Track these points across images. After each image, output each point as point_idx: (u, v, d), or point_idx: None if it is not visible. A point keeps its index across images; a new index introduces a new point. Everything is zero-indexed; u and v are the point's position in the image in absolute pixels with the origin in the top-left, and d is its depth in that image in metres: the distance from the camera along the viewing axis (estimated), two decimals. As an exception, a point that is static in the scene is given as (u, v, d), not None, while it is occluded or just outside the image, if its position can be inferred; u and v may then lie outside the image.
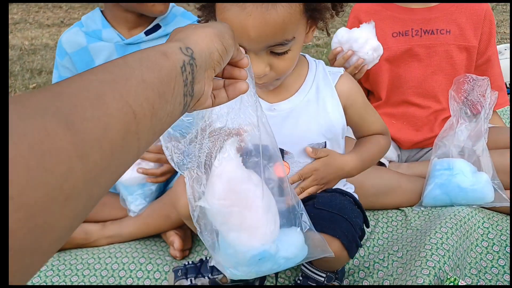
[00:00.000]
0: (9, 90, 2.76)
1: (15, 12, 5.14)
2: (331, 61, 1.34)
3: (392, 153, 1.59)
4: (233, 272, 0.81)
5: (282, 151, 1.00)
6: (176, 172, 1.26)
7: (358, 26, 1.41)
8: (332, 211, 0.94)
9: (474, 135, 1.39)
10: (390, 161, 1.58)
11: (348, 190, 1.10)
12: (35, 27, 4.65)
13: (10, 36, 4.20)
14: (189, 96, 0.50)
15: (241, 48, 0.63)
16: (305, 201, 1.01)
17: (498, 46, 2.27)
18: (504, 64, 1.97)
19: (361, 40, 1.28)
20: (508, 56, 2.16)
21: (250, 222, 0.76)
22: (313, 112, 1.00)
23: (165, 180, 1.33)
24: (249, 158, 0.75)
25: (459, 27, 1.52)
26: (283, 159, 1.00)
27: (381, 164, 1.53)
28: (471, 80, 1.45)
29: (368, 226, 1.07)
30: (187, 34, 0.53)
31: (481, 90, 1.43)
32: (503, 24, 3.99)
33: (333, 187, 1.07)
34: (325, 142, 1.02)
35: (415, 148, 1.62)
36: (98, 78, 0.39)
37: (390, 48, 1.52)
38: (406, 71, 1.56)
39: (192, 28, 0.55)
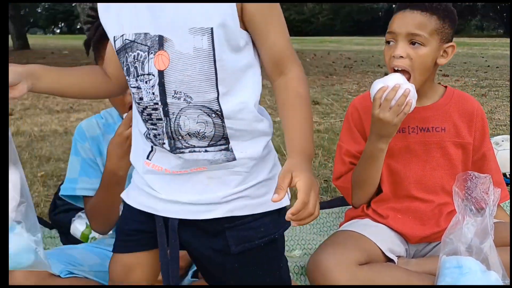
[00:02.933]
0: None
1: (25, 98, 5.32)
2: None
3: (400, 248, 1.58)
4: None
5: (161, 38, 0.88)
6: None
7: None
8: None
9: (480, 233, 1.39)
10: (398, 256, 1.57)
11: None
12: (45, 113, 4.79)
13: (19, 122, 4.32)
14: None
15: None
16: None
17: (495, 138, 2.35)
18: (504, 156, 2.02)
19: (401, 78, 1.42)
20: (506, 147, 2.23)
21: None
22: None
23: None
24: None
25: (453, 125, 1.58)
26: (162, 47, 0.89)
27: (389, 259, 1.53)
28: (473, 178, 1.48)
29: None
30: None
31: (484, 188, 1.46)
32: (497, 110, 4.12)
33: None
34: (212, 28, 0.85)
35: (423, 243, 1.62)
36: None
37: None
38: (406, 166, 1.59)
39: None
